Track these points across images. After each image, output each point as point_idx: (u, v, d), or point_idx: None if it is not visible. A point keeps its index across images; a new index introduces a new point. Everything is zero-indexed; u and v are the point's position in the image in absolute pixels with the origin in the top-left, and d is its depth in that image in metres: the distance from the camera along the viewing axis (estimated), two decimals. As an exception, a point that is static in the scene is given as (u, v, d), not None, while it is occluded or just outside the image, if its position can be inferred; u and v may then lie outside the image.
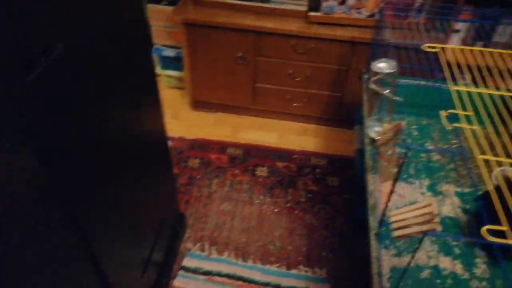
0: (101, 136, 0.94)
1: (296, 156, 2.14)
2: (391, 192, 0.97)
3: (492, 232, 0.75)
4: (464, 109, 1.02)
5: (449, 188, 1.28)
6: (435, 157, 1.36)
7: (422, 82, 1.47)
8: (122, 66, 1.02)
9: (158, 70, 2.48)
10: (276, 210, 1.86)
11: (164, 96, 2.47)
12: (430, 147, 1.39)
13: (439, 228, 0.77)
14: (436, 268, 1.06)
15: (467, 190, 1.26)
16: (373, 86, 1.19)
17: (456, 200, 1.23)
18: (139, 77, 1.17)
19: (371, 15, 1.92)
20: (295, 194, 1.94)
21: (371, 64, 1.27)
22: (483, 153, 0.88)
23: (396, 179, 0.88)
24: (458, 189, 1.26)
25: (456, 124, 0.97)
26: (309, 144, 2.21)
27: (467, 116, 1.00)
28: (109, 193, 1.01)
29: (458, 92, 1.06)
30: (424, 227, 0.78)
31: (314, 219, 1.83)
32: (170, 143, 2.16)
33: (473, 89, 1.09)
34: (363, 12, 1.92)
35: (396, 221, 0.86)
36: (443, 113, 0.99)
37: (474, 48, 1.25)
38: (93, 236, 0.93)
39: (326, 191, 1.96)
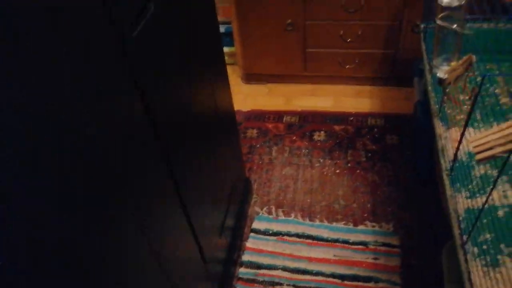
0: (185, 104, 1.02)
1: (352, 118, 2.14)
2: (464, 128, 0.97)
3: None
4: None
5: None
6: (503, 99, 1.32)
7: (489, 24, 1.41)
8: (197, 39, 1.09)
9: (209, 47, 2.56)
10: (337, 171, 1.90)
11: (217, 72, 2.55)
12: (497, 90, 1.35)
13: None
14: (510, 206, 1.06)
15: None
16: (439, 22, 1.17)
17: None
18: (211, 50, 1.24)
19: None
20: (355, 155, 1.95)
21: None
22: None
23: (468, 117, 0.89)
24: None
25: None
26: (364, 105, 2.20)
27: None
28: (193, 155, 1.10)
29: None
30: (509, 146, 0.78)
31: (376, 176, 1.84)
32: (228, 116, 2.24)
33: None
34: (414, -37, 1.85)
35: (476, 146, 0.86)
36: None
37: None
38: (187, 197, 1.03)
39: (386, 149, 1.96)
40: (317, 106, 2.24)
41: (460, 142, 1.01)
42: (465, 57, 1.02)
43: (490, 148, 0.82)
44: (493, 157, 0.82)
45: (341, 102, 2.24)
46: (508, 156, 0.74)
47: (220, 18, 2.49)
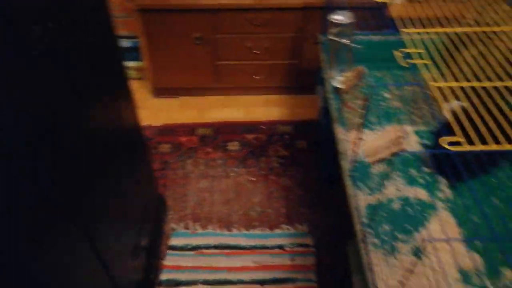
0: (82, 128, 0.96)
1: (263, 126, 2.21)
2: (359, 135, 1.05)
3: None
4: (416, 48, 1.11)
5: (408, 129, 1.39)
6: (394, 102, 1.47)
7: (376, 37, 1.56)
8: (95, 58, 1.04)
9: (115, 61, 2.46)
10: (252, 179, 1.93)
11: (125, 87, 2.46)
12: (387, 95, 1.49)
13: (406, 147, 0.86)
14: (404, 198, 1.17)
15: (424, 128, 1.37)
16: (332, 36, 1.26)
17: (416, 138, 1.34)
18: (112, 71, 1.19)
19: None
20: (268, 162, 2.01)
21: (328, 16, 1.34)
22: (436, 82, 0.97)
23: (363, 121, 0.96)
24: (417, 128, 1.37)
25: (410, 61, 1.06)
26: (274, 114, 2.28)
27: (419, 54, 1.09)
28: (98, 182, 1.04)
29: (410, 36, 1.15)
30: (393, 149, 0.86)
31: (289, 181, 1.92)
32: (138, 131, 2.17)
33: (422, 30, 1.18)
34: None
35: (369, 152, 0.94)
36: (397, 54, 1.07)
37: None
38: (92, 224, 0.96)
39: (296, 154, 2.05)
40: (230, 117, 2.27)
41: (357, 144, 1.09)
42: (356, 68, 1.11)
43: (378, 152, 0.90)
44: (381, 159, 0.90)
45: (252, 111, 2.30)
46: (393, 159, 0.82)
47: (126, 32, 2.43)
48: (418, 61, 0.98)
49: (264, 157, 2.04)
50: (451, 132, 0.87)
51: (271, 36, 2.11)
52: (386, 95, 1.51)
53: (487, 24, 1.14)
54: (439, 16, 1.28)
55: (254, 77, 2.28)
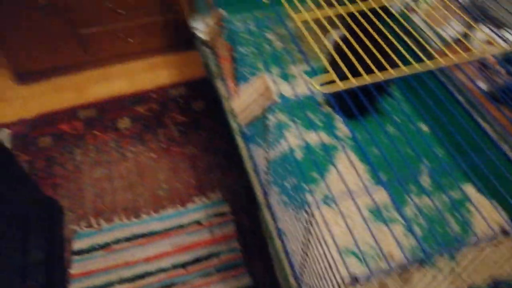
0: None
1: (154, 94, 1.99)
2: (235, 91, 0.93)
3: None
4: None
5: (297, 70, 1.30)
6: (277, 43, 1.35)
7: None
8: None
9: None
10: (153, 155, 1.75)
11: (-22, 81, 2.05)
12: (270, 36, 1.37)
13: (277, 99, 0.75)
14: (306, 145, 1.10)
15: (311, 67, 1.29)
16: None
17: (307, 78, 1.25)
18: None
19: None
20: (167, 133, 1.83)
21: None
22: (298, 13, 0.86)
23: (235, 76, 0.83)
24: (304, 68, 1.29)
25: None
26: (163, 78, 2.07)
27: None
28: None
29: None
30: (264, 102, 0.75)
31: (194, 148, 1.77)
32: (7, 131, 1.84)
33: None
34: None
35: (241, 111, 0.82)
36: None
37: None
38: None
39: (195, 117, 1.89)
40: (114, 91, 2.01)
41: (237, 99, 0.97)
42: (215, 13, 0.96)
43: (249, 109, 0.78)
44: (255, 118, 0.79)
45: (137, 80, 2.06)
46: (265, 113, 0.71)
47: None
48: None
49: (161, 128, 1.85)
50: (334, 67, 0.78)
51: (135, -10, 1.84)
52: (269, 36, 1.39)
53: None
54: None
55: (129, 40, 2.01)
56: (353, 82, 0.76)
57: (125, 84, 2.04)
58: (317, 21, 0.87)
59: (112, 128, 1.85)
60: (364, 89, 0.80)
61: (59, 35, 1.88)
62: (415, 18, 1.08)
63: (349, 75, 0.77)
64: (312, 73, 1.20)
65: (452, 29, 1.13)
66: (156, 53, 2.14)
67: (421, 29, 1.05)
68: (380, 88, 1.03)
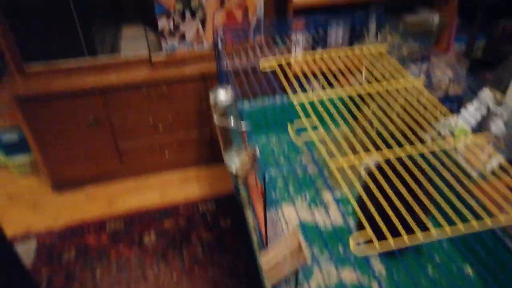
0: None
1: (182, 208, 1.96)
2: (265, 222, 0.86)
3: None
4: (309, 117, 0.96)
5: (330, 196, 1.23)
6: (310, 166, 1.31)
7: (265, 103, 1.43)
8: None
9: (3, 159, 2.13)
10: (174, 277, 1.66)
11: (18, 188, 2.12)
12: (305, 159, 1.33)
13: (308, 259, 0.67)
14: (340, 284, 0.98)
15: (344, 194, 1.22)
16: (217, 120, 1.10)
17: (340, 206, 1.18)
18: None
19: (214, 45, 1.87)
20: (191, 250, 1.75)
21: (210, 96, 1.18)
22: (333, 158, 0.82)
23: (264, 208, 0.78)
24: (338, 195, 1.22)
25: (304, 138, 0.90)
26: (193, 191, 2.06)
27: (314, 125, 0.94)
28: None
29: (301, 103, 1.01)
30: (293, 263, 0.67)
31: (217, 270, 1.67)
32: (34, 244, 1.83)
33: (312, 96, 1.05)
34: (205, 44, 1.86)
35: (269, 268, 0.74)
36: (290, 130, 0.92)
37: (307, 55, 1.23)
38: None
39: (221, 236, 1.81)
40: (144, 203, 2.00)
41: (265, 231, 0.90)
42: (249, 152, 0.94)
43: (279, 270, 0.71)
44: (285, 278, 0.71)
45: (168, 192, 2.06)
46: (297, 276, 0.64)
47: (10, 124, 2.12)
48: (312, 136, 0.83)
49: (186, 245, 1.78)
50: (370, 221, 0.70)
51: (173, 108, 1.93)
52: (302, 159, 1.36)
53: (378, 81, 1.03)
54: (333, 70, 1.17)
55: (164, 153, 2.06)
56: (391, 245, 0.68)
57: (156, 196, 2.04)
58: (352, 167, 0.82)
59: (137, 243, 1.80)
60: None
61: (101, 147, 1.95)
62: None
63: (387, 234, 0.69)
64: (343, 200, 1.11)
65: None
66: (189, 165, 2.17)
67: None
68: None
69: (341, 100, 1.25)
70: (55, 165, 1.99)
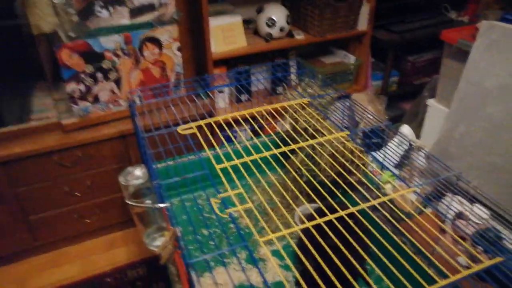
0: None
1: (109, 278, 1.80)
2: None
3: None
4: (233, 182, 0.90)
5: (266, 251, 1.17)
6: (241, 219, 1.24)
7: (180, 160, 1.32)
8: None
9: None
10: None
11: None
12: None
13: None
14: None
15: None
16: (130, 202, 1.01)
17: (276, 260, 1.11)
18: None
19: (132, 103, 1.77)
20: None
21: (119, 178, 1.09)
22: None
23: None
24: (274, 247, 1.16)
25: (230, 210, 0.83)
26: (121, 256, 1.90)
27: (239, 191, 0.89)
28: None
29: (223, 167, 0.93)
30: None
31: None
32: None
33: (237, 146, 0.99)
34: (123, 103, 1.75)
35: None
36: (214, 204, 0.84)
37: (232, 113, 1.18)
38: None
39: (155, 307, 1.69)
40: (63, 278, 1.81)
41: None
42: (170, 232, 0.86)
43: None
44: None
45: (91, 262, 1.88)
46: None
47: None
48: (238, 209, 0.77)
49: (114, 325, 1.62)
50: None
51: (91, 173, 1.78)
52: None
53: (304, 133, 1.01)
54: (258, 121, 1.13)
55: (85, 220, 1.88)
56: None
57: (76, 268, 1.85)
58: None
59: (57, 330, 1.61)
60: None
61: (6, 225, 1.73)
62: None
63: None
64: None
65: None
66: (114, 229, 2.01)
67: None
68: None
69: (267, 148, 1.21)
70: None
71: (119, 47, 1.60)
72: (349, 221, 0.77)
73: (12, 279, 1.81)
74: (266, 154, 0.93)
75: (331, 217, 0.77)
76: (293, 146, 0.96)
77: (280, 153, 0.94)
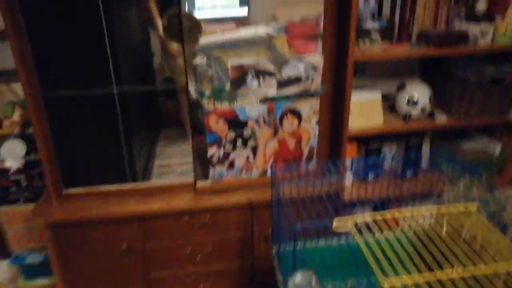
0: None
1: None
2: None
3: None
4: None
5: None
6: None
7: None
8: None
9: (21, 283, 1.95)
10: None
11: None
12: None
13: None
14: None
15: None
16: None
17: None
18: None
19: (263, 173, 1.75)
20: None
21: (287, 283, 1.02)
22: None
23: None
24: None
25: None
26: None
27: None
28: None
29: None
30: None
31: None
32: None
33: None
34: (254, 172, 1.74)
35: None
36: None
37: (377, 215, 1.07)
38: None
39: None
40: None
41: None
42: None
43: None
44: None
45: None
46: None
47: (35, 245, 1.98)
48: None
49: None
50: None
51: (214, 238, 1.75)
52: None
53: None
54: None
55: (199, 285, 1.83)
56: None
57: None
58: None
59: None
60: None
61: (130, 278, 1.76)
62: None
63: None
64: None
65: None
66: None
67: None
68: None
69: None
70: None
71: (261, 116, 1.63)
72: None
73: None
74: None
75: None
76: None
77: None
